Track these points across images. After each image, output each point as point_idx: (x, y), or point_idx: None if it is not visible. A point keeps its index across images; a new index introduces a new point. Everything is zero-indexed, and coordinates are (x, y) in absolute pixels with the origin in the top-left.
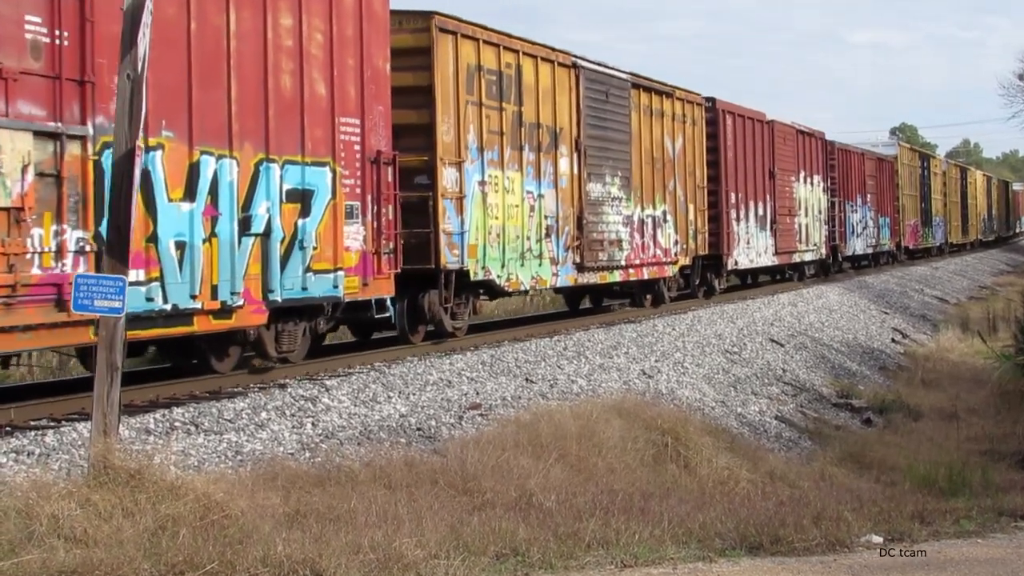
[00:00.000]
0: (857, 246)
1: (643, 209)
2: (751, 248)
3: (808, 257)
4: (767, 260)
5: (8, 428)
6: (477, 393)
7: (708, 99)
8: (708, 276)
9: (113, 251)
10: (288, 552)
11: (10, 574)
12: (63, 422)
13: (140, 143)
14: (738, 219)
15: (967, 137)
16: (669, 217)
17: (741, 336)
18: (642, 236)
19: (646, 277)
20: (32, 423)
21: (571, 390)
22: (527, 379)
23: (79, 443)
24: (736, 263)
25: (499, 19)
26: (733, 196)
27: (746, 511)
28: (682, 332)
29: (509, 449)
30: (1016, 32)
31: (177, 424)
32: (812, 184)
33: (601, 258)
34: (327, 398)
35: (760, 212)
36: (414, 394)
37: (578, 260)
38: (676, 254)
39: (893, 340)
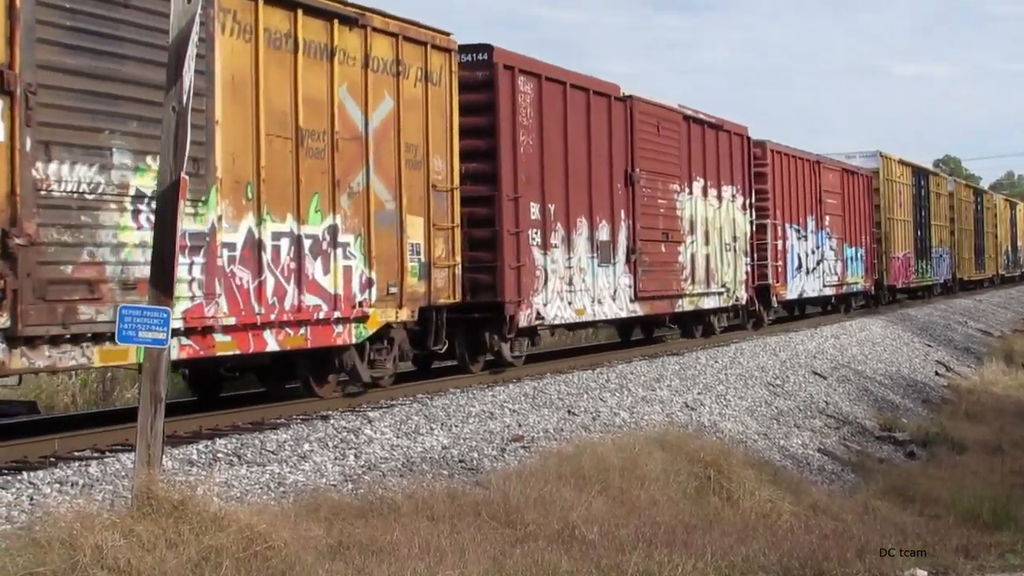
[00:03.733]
0: (806, 286)
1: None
2: (575, 291)
3: (710, 304)
4: (615, 310)
5: (52, 459)
6: (519, 425)
7: (476, 47)
8: (488, 337)
9: (157, 283)
10: None
11: None
12: (107, 453)
13: (184, 175)
14: (546, 246)
15: (1011, 169)
16: (347, 236)
17: (784, 368)
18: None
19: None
20: (76, 453)
21: (614, 422)
22: (569, 411)
23: (123, 474)
24: (539, 316)
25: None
26: (535, 208)
27: (789, 544)
28: (727, 363)
29: (552, 481)
30: None
31: (220, 455)
32: (721, 198)
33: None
34: (369, 430)
35: (602, 236)
36: (456, 426)
37: None
38: (366, 302)
39: (937, 373)
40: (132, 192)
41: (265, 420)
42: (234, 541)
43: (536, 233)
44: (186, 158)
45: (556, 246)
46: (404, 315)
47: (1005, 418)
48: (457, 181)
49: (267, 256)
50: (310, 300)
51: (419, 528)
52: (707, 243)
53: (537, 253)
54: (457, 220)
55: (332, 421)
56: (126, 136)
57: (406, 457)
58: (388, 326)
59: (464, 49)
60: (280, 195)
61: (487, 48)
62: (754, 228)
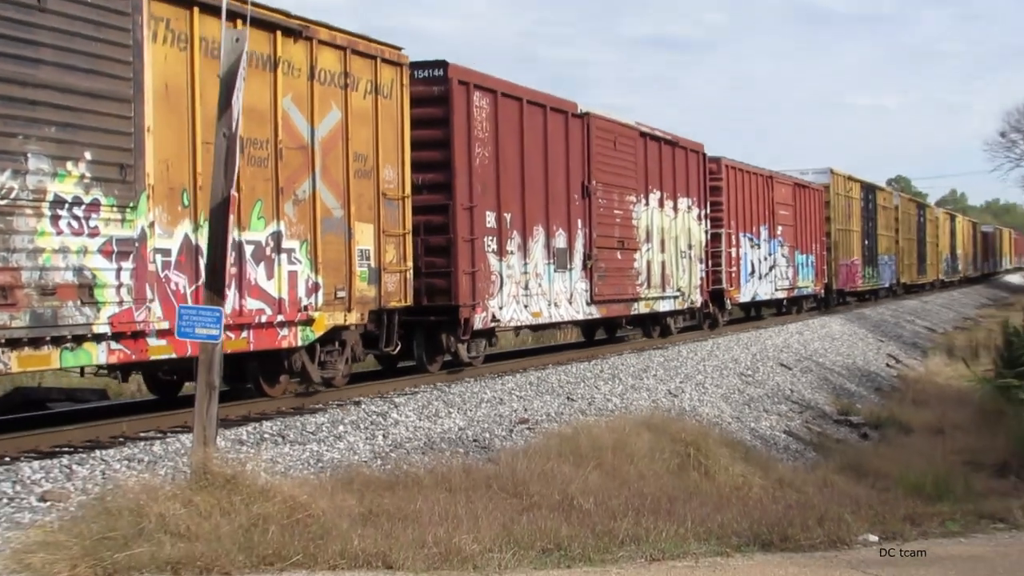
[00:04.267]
0: (759, 290)
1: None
2: (532, 295)
3: (666, 307)
4: (571, 312)
5: (121, 439)
6: (525, 409)
7: (432, 63)
8: (445, 339)
9: (211, 286)
10: (363, 546)
11: (124, 565)
12: (168, 434)
13: (234, 192)
14: (502, 252)
15: (954, 187)
16: (292, 243)
17: (754, 361)
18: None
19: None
20: (142, 435)
21: (607, 407)
22: (568, 397)
23: (182, 452)
24: (495, 318)
25: None
26: (491, 216)
27: (758, 513)
28: (704, 356)
29: (553, 458)
30: (1000, 97)
31: (266, 436)
32: (677, 209)
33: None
34: (396, 413)
35: (559, 243)
36: (471, 410)
37: None
38: (311, 306)
39: (887, 364)
40: (50, 198)
41: (305, 406)
42: (279, 510)
43: (492, 240)
44: (235, 177)
45: (512, 253)
46: (353, 318)
47: (946, 404)
48: (408, 190)
49: (205, 261)
50: (252, 304)
51: (439, 498)
52: (663, 250)
53: (493, 259)
54: (408, 227)
55: (363, 406)
56: (43, 141)
57: (427, 437)
58: (337, 329)
59: (421, 65)
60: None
61: (442, 64)
62: (709, 237)
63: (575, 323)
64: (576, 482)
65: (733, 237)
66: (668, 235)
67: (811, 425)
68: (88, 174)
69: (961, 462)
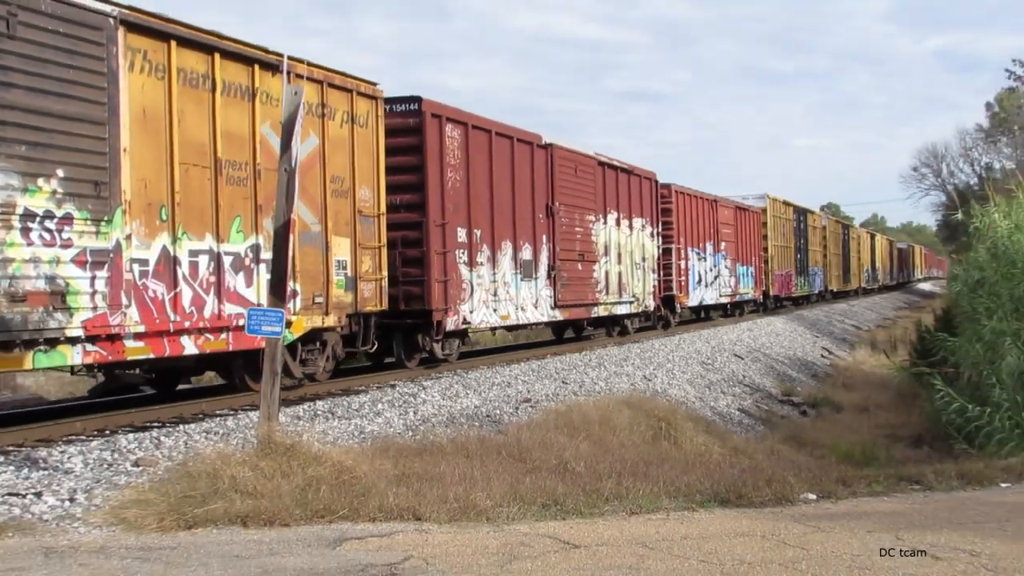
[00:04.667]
0: (705, 296)
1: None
2: (500, 301)
3: (623, 310)
4: (537, 315)
5: (201, 415)
6: (528, 391)
7: (408, 98)
8: (421, 339)
9: (274, 291)
10: (397, 502)
11: (202, 518)
12: (239, 411)
13: (294, 216)
14: (472, 264)
15: (876, 212)
16: (271, 254)
17: (713, 352)
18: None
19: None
20: (218, 412)
21: (594, 389)
22: (563, 381)
23: (250, 426)
24: (466, 321)
25: None
26: (462, 232)
27: (718, 475)
28: (673, 348)
29: (551, 430)
30: (912, 138)
31: (319, 413)
32: (632, 227)
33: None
34: (424, 394)
35: (525, 256)
36: (484, 392)
37: None
38: (289, 310)
39: (822, 355)
40: (20, 211)
41: (351, 388)
42: (329, 473)
43: (463, 253)
44: (295, 203)
45: (482, 264)
46: (331, 321)
47: (871, 388)
48: (384, 208)
49: (183, 270)
50: (231, 309)
51: (458, 463)
52: (620, 262)
53: (464, 269)
54: (384, 241)
55: (397, 388)
56: (12, 159)
57: (449, 413)
58: (317, 330)
59: (399, 100)
60: (199, 217)
61: (417, 99)
62: (661, 251)
63: (541, 324)
64: (569, 450)
65: (682, 251)
66: (624, 249)
67: (760, 404)
68: (60, 189)
69: (883, 435)
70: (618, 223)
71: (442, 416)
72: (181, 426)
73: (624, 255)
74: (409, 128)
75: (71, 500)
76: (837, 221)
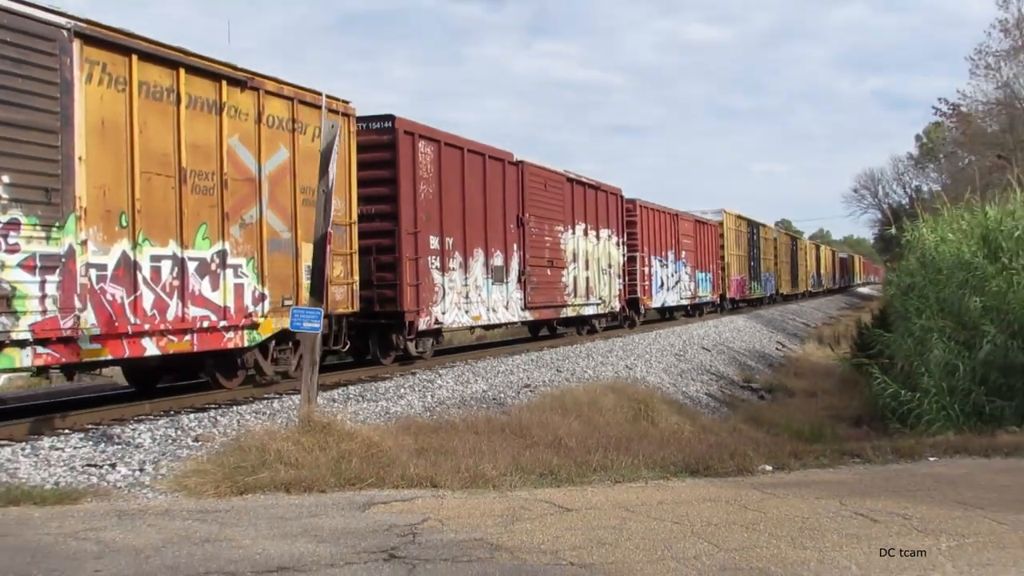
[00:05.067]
0: (668, 299)
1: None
2: (472, 303)
3: (590, 311)
4: (508, 316)
5: (251, 399)
6: (528, 378)
7: (382, 117)
8: (395, 338)
9: (314, 292)
10: (416, 472)
11: (252, 485)
12: (283, 395)
13: (330, 229)
14: (444, 269)
15: (822, 226)
16: (239, 259)
17: (685, 345)
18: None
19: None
20: (265, 396)
21: (584, 376)
22: (557, 370)
23: (292, 408)
24: (438, 321)
25: None
26: (434, 240)
27: (689, 449)
28: (651, 341)
29: (547, 411)
30: (852, 165)
31: (351, 396)
32: (599, 237)
33: None
34: (440, 380)
35: (496, 262)
36: (491, 378)
37: None
38: (256, 313)
39: (777, 348)
40: None
41: (378, 376)
42: (359, 447)
43: (436, 259)
44: (331, 219)
45: (454, 269)
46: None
47: (817, 376)
48: (355, 217)
49: (144, 275)
50: (196, 312)
51: (468, 438)
52: (587, 269)
53: (436, 274)
54: (355, 247)
55: (417, 375)
56: None
57: (461, 396)
58: (288, 331)
59: (375, 118)
60: (162, 224)
61: (390, 118)
62: (626, 259)
63: (513, 324)
64: (563, 428)
65: (646, 259)
66: (592, 257)
67: (724, 389)
68: (6, 195)
69: (828, 416)
70: (586, 233)
71: (455, 399)
72: (234, 407)
73: (591, 262)
74: (383, 144)
75: (140, 470)
76: (787, 233)
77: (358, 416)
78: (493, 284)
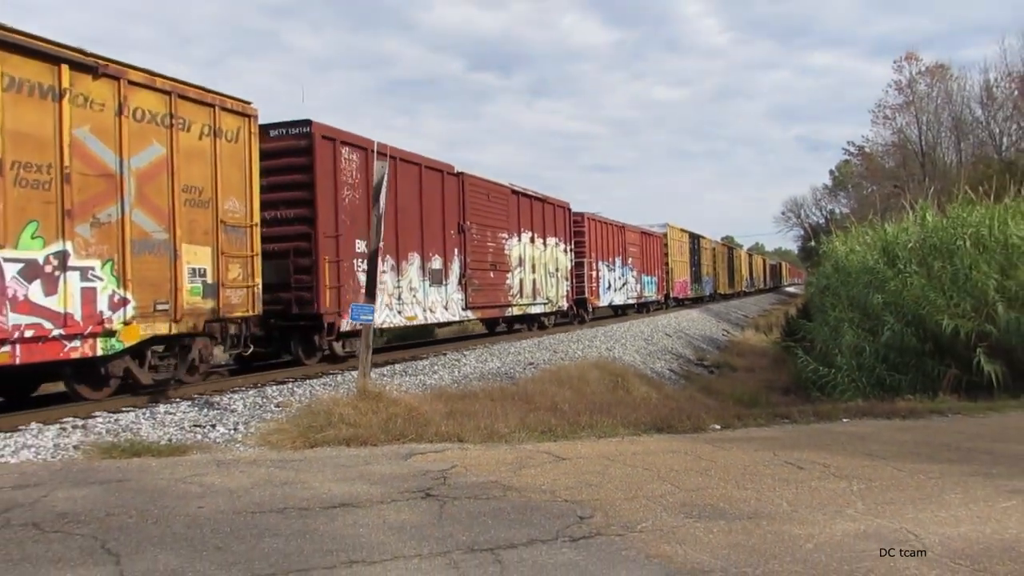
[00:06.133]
0: (615, 298)
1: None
2: (405, 304)
3: (538, 310)
4: (447, 316)
5: (320, 374)
6: (532, 357)
7: (300, 122)
8: (318, 339)
9: (368, 293)
10: (447, 430)
11: (320, 440)
12: (345, 371)
13: (381, 244)
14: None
15: (757, 240)
16: (91, 261)
17: (652, 332)
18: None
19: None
20: (331, 371)
21: (575, 356)
22: (554, 351)
23: (351, 381)
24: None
25: None
26: (360, 244)
27: (656, 412)
28: (626, 329)
29: (547, 383)
30: (781, 194)
31: (396, 372)
32: (546, 244)
33: None
34: (464, 359)
35: (434, 265)
36: (504, 357)
37: None
38: (110, 319)
39: (723, 334)
40: None
41: (417, 356)
42: (403, 411)
43: (362, 262)
44: (380, 240)
45: (384, 272)
46: (183, 327)
47: (755, 356)
48: (257, 219)
49: (366, 283)
50: (19, 320)
51: (487, 404)
52: (534, 272)
53: (363, 277)
54: (257, 250)
55: (447, 355)
56: None
57: (480, 372)
58: (173, 336)
59: (292, 124)
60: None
61: (307, 123)
62: (573, 264)
63: (453, 323)
64: (559, 396)
65: (594, 264)
66: (539, 262)
67: (683, 366)
68: None
69: (763, 387)
70: (532, 241)
71: (476, 374)
72: (307, 381)
73: (538, 266)
74: (300, 148)
75: (234, 429)
76: (724, 244)
77: (402, 387)
78: (431, 286)
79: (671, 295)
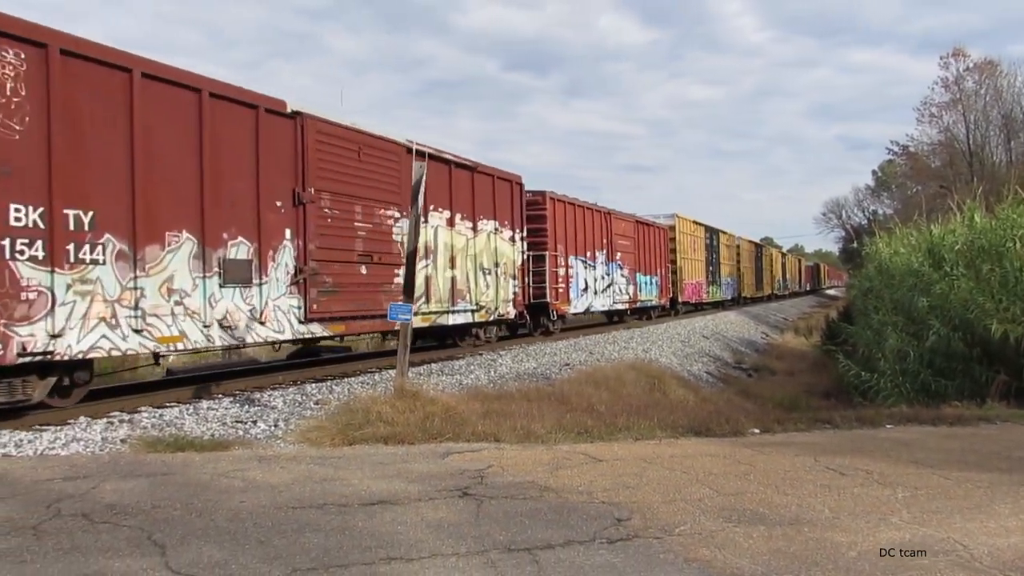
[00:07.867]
0: (595, 303)
1: None
2: (143, 318)
3: (459, 320)
4: (258, 334)
5: (358, 372)
6: (568, 358)
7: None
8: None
9: (406, 291)
10: (483, 430)
11: (359, 438)
12: (382, 370)
13: (419, 245)
14: (61, 261)
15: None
16: None
17: (688, 334)
18: None
19: None
20: (370, 370)
21: (612, 357)
22: (590, 353)
23: (389, 380)
24: (25, 350)
25: None
26: (25, 210)
27: (693, 415)
28: (663, 331)
29: (583, 384)
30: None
31: (433, 371)
32: (477, 230)
33: None
34: (500, 360)
35: (234, 255)
36: (539, 358)
37: None
38: None
39: (761, 337)
40: None
41: (453, 356)
42: (440, 410)
43: (27, 244)
44: (419, 239)
45: (99, 262)
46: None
47: (795, 359)
48: None
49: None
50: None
51: (522, 404)
52: (453, 267)
53: (28, 270)
54: None
55: (482, 355)
56: None
57: (516, 372)
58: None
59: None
60: None
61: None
62: (527, 257)
63: (277, 342)
64: (595, 397)
65: (560, 259)
66: (463, 253)
67: (720, 369)
68: None
69: (803, 391)
70: (451, 223)
71: (512, 374)
72: (346, 379)
73: (461, 259)
74: None
75: (275, 426)
76: (751, 242)
77: (439, 387)
78: (223, 287)
79: (679, 299)
